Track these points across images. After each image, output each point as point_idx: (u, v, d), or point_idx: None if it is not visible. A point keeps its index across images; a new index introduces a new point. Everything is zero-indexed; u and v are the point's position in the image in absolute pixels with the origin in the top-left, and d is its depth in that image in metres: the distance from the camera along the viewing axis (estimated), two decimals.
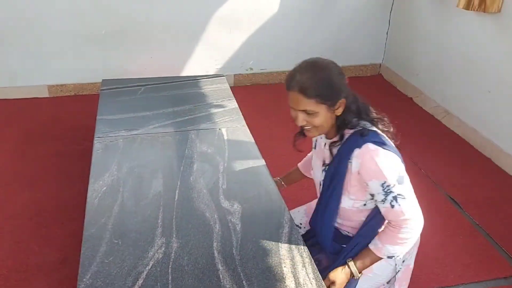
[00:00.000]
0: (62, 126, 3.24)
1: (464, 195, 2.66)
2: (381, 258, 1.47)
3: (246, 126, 2.18)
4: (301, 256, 1.40)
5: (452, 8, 3.24)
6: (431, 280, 2.05)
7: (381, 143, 1.39)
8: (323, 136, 1.56)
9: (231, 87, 2.70)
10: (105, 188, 1.67)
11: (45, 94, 3.68)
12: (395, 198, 1.36)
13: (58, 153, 2.92)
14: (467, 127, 3.28)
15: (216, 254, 1.39)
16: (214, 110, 2.34)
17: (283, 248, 1.42)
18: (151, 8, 3.58)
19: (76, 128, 3.20)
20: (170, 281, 1.28)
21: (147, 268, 1.32)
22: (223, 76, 2.84)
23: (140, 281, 1.28)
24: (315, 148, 1.67)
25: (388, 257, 1.46)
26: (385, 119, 1.49)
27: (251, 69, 4.08)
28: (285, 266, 1.35)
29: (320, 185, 1.59)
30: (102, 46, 3.62)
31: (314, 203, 1.82)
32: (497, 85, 2.99)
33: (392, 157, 1.39)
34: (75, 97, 3.71)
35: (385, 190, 1.36)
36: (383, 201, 1.38)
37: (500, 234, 2.36)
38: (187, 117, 2.25)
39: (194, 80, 2.74)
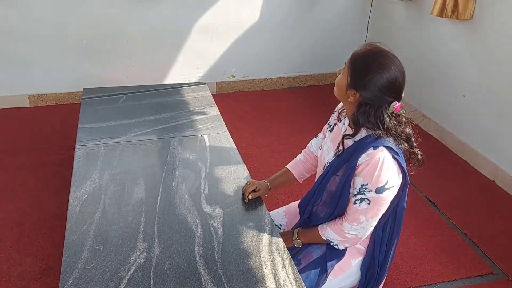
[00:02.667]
0: (44, 136, 3.23)
1: (441, 197, 2.73)
2: (322, 240, 1.55)
3: (228, 133, 2.21)
4: (282, 257, 1.43)
5: (427, 15, 3.34)
6: (411, 280, 2.10)
7: (394, 153, 1.39)
8: (346, 122, 1.55)
9: (213, 95, 2.73)
10: (86, 195, 1.68)
11: (25, 104, 3.65)
12: (362, 199, 1.42)
13: (40, 163, 2.90)
14: (444, 131, 3.37)
15: (197, 258, 1.41)
16: (196, 117, 2.36)
17: (264, 250, 1.45)
18: (132, 17, 3.60)
19: (57, 138, 3.19)
20: (152, 285, 1.30)
21: (129, 273, 1.33)
22: (205, 83, 2.87)
23: (122, 286, 1.29)
24: (331, 130, 1.64)
25: (327, 240, 1.54)
26: (416, 148, 1.46)
27: (233, 76, 4.13)
28: (265, 268, 1.38)
29: (324, 166, 1.58)
30: (83, 56, 3.62)
31: (293, 204, 1.86)
32: (471, 89, 3.09)
33: (393, 171, 1.39)
34: (56, 106, 3.70)
35: (361, 189, 1.41)
36: (354, 195, 1.44)
37: (476, 233, 2.43)
38: (169, 125, 2.27)
39: (176, 88, 2.76)
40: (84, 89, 2.68)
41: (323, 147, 1.65)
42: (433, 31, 3.39)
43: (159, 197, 1.69)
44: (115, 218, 1.57)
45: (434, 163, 3.10)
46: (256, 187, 1.72)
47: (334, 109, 1.69)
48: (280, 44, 4.10)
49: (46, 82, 3.64)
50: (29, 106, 3.66)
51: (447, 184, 2.88)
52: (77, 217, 1.57)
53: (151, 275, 1.33)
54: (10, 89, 3.58)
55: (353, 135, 1.45)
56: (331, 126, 1.65)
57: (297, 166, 1.83)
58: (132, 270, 1.35)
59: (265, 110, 3.82)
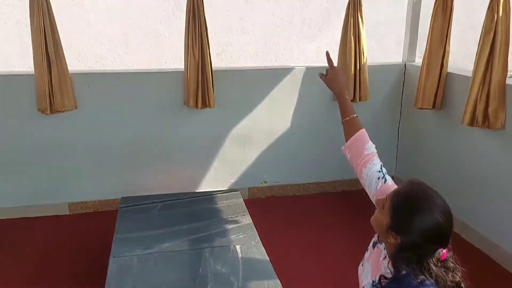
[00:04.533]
0: (80, 245, 3.26)
1: None
2: None
3: (260, 243, 2.19)
4: None
5: (457, 124, 3.35)
6: None
7: None
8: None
9: (245, 200, 2.76)
10: None
11: (65, 211, 3.76)
12: None
13: (73, 275, 2.89)
14: (488, 241, 3.20)
15: None
16: (228, 226, 2.37)
17: None
18: (168, 126, 3.82)
19: (93, 247, 3.20)
20: None
21: None
22: (238, 190, 2.92)
23: None
24: (373, 246, 1.58)
25: None
26: None
27: (265, 182, 4.18)
28: None
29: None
30: (122, 164, 3.79)
31: None
32: (509, 199, 2.98)
33: None
34: (94, 213, 3.78)
35: None
36: None
37: None
38: (201, 234, 2.28)
39: (209, 196, 2.83)
40: (121, 197, 2.78)
41: (364, 264, 1.58)
42: (465, 140, 3.37)
43: None
44: None
45: (478, 277, 2.89)
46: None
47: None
48: (311, 150, 4.19)
49: (86, 190, 3.78)
50: (68, 213, 3.77)
51: None
52: None
53: None
54: (51, 197, 3.72)
55: (392, 280, 1.35)
56: (374, 242, 1.59)
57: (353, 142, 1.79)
58: None
59: (298, 217, 3.78)
